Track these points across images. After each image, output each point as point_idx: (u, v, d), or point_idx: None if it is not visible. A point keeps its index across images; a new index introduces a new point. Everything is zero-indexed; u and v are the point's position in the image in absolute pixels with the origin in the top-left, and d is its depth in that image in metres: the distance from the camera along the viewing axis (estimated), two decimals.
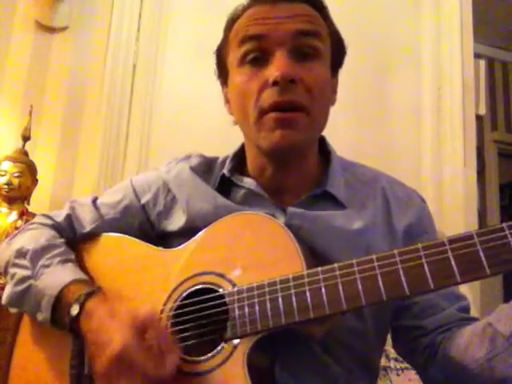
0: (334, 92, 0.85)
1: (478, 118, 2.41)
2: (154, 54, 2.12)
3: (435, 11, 2.29)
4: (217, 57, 0.87)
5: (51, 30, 2.18)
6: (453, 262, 0.56)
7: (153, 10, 2.16)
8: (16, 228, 1.77)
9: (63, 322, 0.73)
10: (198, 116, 2.04)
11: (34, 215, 1.84)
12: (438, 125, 2.19)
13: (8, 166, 1.84)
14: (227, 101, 0.86)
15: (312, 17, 0.78)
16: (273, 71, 0.72)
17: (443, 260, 0.57)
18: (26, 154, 1.91)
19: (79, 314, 0.71)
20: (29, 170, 1.87)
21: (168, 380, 0.62)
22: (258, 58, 0.75)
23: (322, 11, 0.81)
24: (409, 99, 2.21)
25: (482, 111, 2.39)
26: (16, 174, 1.83)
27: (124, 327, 0.63)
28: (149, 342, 0.62)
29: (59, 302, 0.74)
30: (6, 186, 1.81)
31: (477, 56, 2.41)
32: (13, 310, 0.83)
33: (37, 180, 1.92)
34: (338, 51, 0.83)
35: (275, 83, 0.72)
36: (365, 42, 2.17)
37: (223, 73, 0.85)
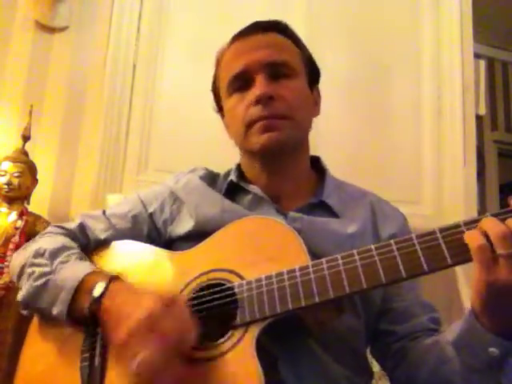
0: (317, 105, 0.97)
1: (478, 118, 2.41)
2: (154, 54, 2.12)
3: (435, 11, 2.29)
4: (213, 93, 0.99)
5: (51, 30, 2.18)
6: (444, 247, 0.63)
7: (153, 10, 2.16)
8: (16, 228, 1.77)
9: (80, 310, 0.74)
10: (197, 116, 2.04)
11: (33, 215, 1.84)
12: (438, 125, 2.19)
13: (8, 166, 1.84)
14: (227, 127, 0.97)
15: (281, 44, 0.91)
16: (254, 92, 0.86)
17: (435, 246, 0.63)
18: (26, 154, 1.91)
19: (102, 294, 0.72)
20: (29, 170, 1.87)
21: (187, 351, 0.65)
22: (242, 86, 0.88)
23: (293, 38, 0.94)
24: (409, 99, 2.22)
25: (482, 111, 2.39)
26: (16, 174, 1.83)
27: (150, 298, 0.67)
28: (173, 314, 0.65)
29: (78, 291, 0.76)
30: (5, 186, 1.81)
31: (477, 56, 2.41)
32: (24, 312, 0.84)
33: (37, 180, 1.92)
34: (312, 70, 0.96)
35: (258, 101, 0.85)
36: (365, 42, 2.17)
37: (220, 106, 0.97)
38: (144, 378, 0.62)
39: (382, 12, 2.25)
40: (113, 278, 0.75)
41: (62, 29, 2.19)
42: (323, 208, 0.89)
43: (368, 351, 0.89)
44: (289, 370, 0.72)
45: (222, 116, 0.98)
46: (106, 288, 0.73)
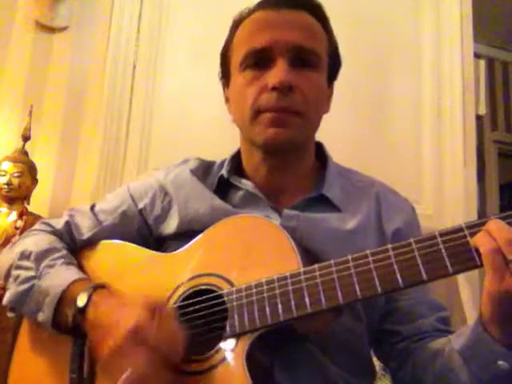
0: (328, 101, 0.90)
1: (478, 118, 2.41)
2: (154, 54, 2.12)
3: (435, 11, 2.29)
4: (221, 58, 0.89)
5: (51, 29, 2.18)
6: (444, 254, 0.58)
7: (153, 10, 2.16)
8: (16, 228, 1.78)
9: (65, 320, 0.73)
10: (197, 116, 2.04)
11: (33, 215, 1.84)
12: (438, 125, 2.19)
13: (8, 166, 1.84)
14: (227, 100, 0.90)
15: (312, 28, 0.82)
16: (273, 77, 0.77)
17: (435, 252, 0.59)
18: (26, 154, 1.91)
19: (86, 305, 0.70)
20: (29, 170, 1.87)
21: (178, 359, 0.63)
22: (259, 63, 0.80)
23: (323, 22, 0.84)
24: (409, 99, 2.21)
25: (482, 111, 2.39)
26: (16, 174, 1.83)
27: (136, 308, 0.64)
28: (160, 324, 0.63)
29: (63, 300, 0.74)
30: (5, 186, 1.81)
31: (477, 56, 2.41)
32: (10, 315, 0.83)
33: (37, 180, 1.92)
34: (335, 63, 0.87)
35: (274, 89, 0.76)
36: (365, 41, 2.17)
37: (226, 74, 0.88)
38: None
39: (382, 12, 2.25)
40: (97, 287, 0.72)
41: (62, 29, 2.19)
42: (323, 202, 0.83)
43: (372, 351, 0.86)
44: (285, 378, 0.69)
45: (225, 85, 0.90)
46: (90, 298, 0.70)
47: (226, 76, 0.89)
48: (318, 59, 0.81)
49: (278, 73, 0.77)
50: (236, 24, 0.86)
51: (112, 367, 0.62)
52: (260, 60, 0.79)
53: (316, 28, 0.83)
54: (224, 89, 0.91)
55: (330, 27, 0.86)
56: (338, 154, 0.95)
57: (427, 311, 0.81)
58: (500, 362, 0.61)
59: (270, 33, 0.79)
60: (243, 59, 0.81)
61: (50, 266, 0.78)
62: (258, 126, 0.79)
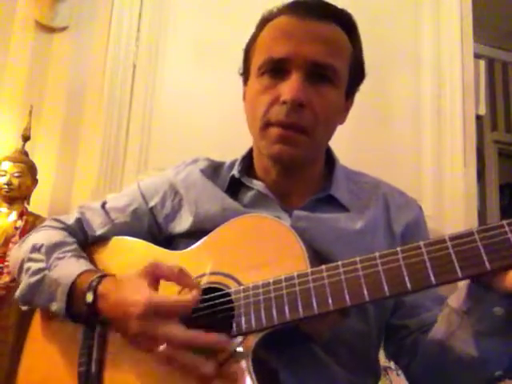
0: (346, 113, 0.89)
1: (478, 118, 2.41)
2: (154, 54, 2.12)
3: (435, 11, 2.29)
4: (244, 54, 0.89)
5: (51, 29, 2.18)
6: (454, 258, 0.57)
7: (153, 9, 2.16)
8: (16, 228, 1.77)
9: (81, 310, 0.74)
10: (197, 116, 2.04)
11: (33, 215, 1.84)
12: (438, 125, 2.19)
13: (8, 166, 1.84)
14: (245, 98, 0.89)
15: (335, 41, 0.80)
16: (285, 92, 0.76)
17: (444, 256, 0.58)
18: (26, 154, 1.91)
19: (95, 299, 0.71)
20: (29, 170, 1.87)
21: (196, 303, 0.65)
22: (276, 72, 0.79)
23: (350, 33, 0.83)
24: (409, 99, 2.21)
25: (482, 111, 2.39)
26: (16, 174, 1.83)
27: (137, 287, 0.66)
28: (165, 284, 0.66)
29: (74, 291, 0.75)
30: (5, 186, 1.81)
31: (477, 56, 2.41)
32: (24, 308, 0.83)
33: (37, 180, 1.92)
34: (357, 75, 0.86)
35: (285, 103, 0.76)
36: (365, 42, 2.16)
37: (246, 72, 0.88)
38: (173, 358, 0.63)
39: (382, 12, 2.25)
40: (100, 278, 0.73)
41: (62, 29, 2.19)
42: (331, 202, 0.84)
43: (380, 351, 0.86)
44: (290, 378, 0.69)
45: (244, 82, 0.90)
46: (96, 293, 0.72)
47: (246, 73, 0.89)
48: (335, 74, 0.79)
49: (291, 87, 0.76)
50: (262, 23, 0.85)
51: (145, 341, 0.65)
52: (277, 69, 0.79)
53: (340, 40, 0.81)
54: (243, 85, 0.91)
55: (358, 38, 0.85)
56: (338, 153, 0.96)
57: (432, 305, 0.81)
58: (496, 309, 0.61)
59: (289, 44, 0.78)
60: (261, 65, 0.81)
61: (60, 258, 0.79)
62: (265, 139, 0.80)
